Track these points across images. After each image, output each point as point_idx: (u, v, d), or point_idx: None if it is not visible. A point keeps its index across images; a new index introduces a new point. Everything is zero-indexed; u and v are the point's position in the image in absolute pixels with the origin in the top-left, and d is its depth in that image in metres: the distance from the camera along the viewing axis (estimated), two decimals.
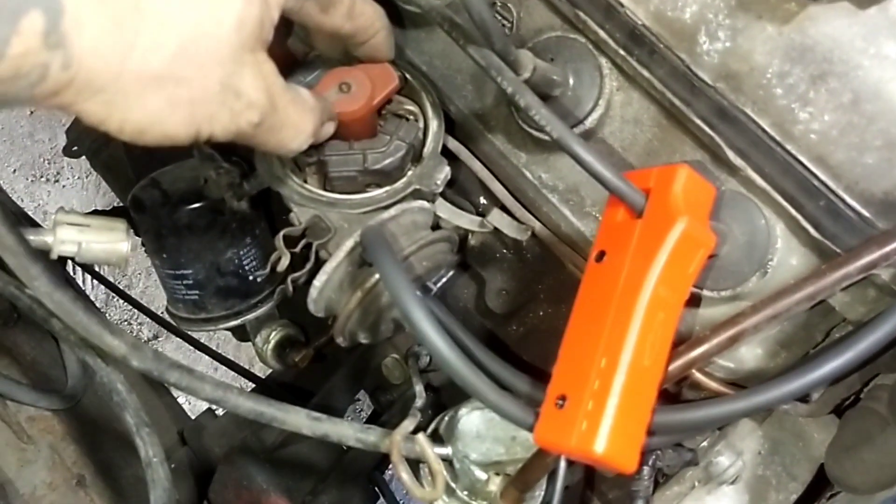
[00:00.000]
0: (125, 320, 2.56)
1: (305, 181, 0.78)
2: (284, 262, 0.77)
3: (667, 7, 0.63)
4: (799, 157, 0.60)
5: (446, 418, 0.84)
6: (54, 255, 0.76)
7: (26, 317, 0.81)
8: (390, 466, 0.76)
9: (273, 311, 1.08)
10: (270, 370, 1.25)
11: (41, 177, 2.70)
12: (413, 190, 0.76)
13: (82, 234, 0.77)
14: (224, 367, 1.53)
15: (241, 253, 0.98)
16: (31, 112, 2.61)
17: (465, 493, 0.81)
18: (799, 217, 0.60)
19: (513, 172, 0.78)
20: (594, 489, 0.85)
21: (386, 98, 0.74)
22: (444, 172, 0.77)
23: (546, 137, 0.62)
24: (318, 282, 0.75)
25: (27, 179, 2.69)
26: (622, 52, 0.65)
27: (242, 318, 1.03)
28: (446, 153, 0.79)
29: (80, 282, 1.96)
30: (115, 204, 1.29)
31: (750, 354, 0.68)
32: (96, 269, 1.54)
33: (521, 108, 0.63)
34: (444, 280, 0.87)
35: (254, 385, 1.45)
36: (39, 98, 0.48)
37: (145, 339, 2.54)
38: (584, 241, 0.74)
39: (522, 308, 0.85)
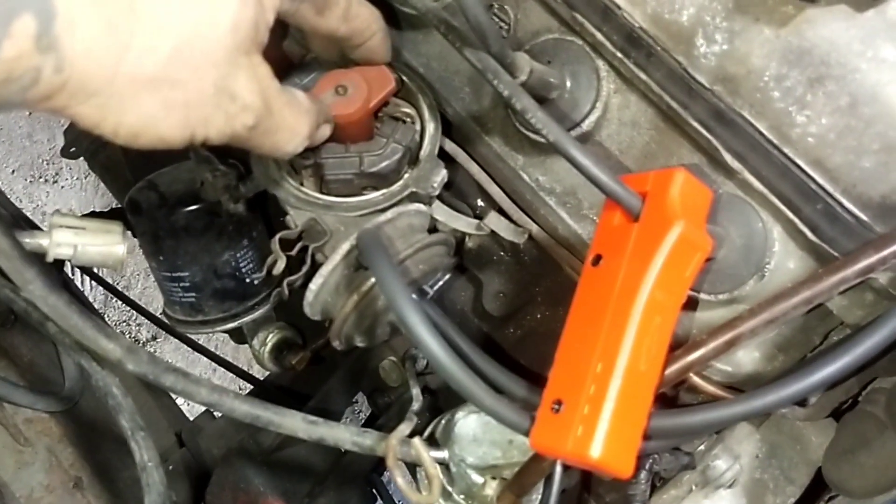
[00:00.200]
0: (123, 321, 2.56)
1: (302, 184, 0.77)
2: (280, 265, 0.77)
3: (664, 9, 0.63)
4: (796, 160, 0.59)
5: (443, 422, 0.84)
6: (50, 258, 0.76)
7: (23, 319, 0.81)
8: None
9: (270, 314, 1.08)
10: (268, 372, 1.25)
11: (40, 178, 2.70)
12: (410, 193, 0.76)
13: (78, 237, 0.76)
14: (222, 369, 1.54)
15: (238, 255, 0.98)
16: (30, 113, 2.61)
17: (462, 496, 0.81)
18: (796, 220, 0.60)
19: (510, 175, 0.77)
20: (591, 492, 0.85)
21: (382, 101, 0.74)
22: (441, 175, 0.76)
23: (543, 140, 0.61)
24: (314, 285, 0.74)
25: (26, 180, 2.69)
26: (619, 54, 0.65)
27: (239, 321, 1.03)
28: (443, 156, 0.79)
29: (78, 283, 1.96)
30: (114, 205, 1.28)
31: (747, 358, 0.68)
32: (94, 270, 1.54)
33: (517, 111, 0.63)
34: (440, 283, 0.87)
35: (252, 387, 1.45)
36: (32, 102, 0.48)
37: (143, 340, 2.53)
38: (582, 244, 0.74)
39: (519, 311, 0.85)
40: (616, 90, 0.70)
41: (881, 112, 0.56)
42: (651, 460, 0.73)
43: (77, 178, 2.69)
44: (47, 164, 2.70)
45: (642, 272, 0.57)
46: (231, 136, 0.58)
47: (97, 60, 0.48)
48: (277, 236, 0.78)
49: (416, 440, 0.71)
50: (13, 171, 2.69)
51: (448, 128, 0.80)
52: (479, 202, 0.83)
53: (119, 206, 1.18)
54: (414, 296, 0.63)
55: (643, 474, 0.73)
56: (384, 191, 0.76)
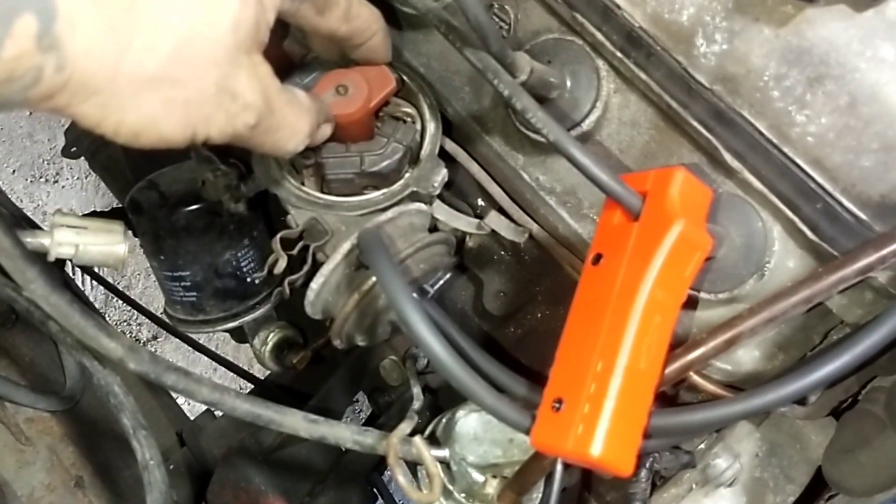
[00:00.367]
0: (124, 321, 2.56)
1: (303, 183, 0.78)
2: (281, 264, 0.77)
3: (664, 9, 0.63)
4: (796, 159, 0.59)
5: (444, 420, 0.84)
6: (51, 258, 0.76)
7: (25, 318, 0.81)
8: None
9: (271, 313, 1.08)
10: (269, 371, 1.25)
11: (40, 177, 2.70)
12: (410, 192, 0.76)
13: (80, 237, 0.77)
14: (223, 368, 1.54)
15: (239, 255, 0.98)
16: (31, 112, 2.61)
17: (463, 495, 0.81)
18: (796, 220, 0.60)
19: (510, 174, 0.78)
20: (592, 491, 0.85)
21: (383, 100, 0.74)
22: (442, 175, 0.76)
23: (543, 140, 0.62)
24: (315, 284, 0.75)
25: (26, 180, 2.69)
26: (619, 54, 0.65)
27: (240, 320, 1.03)
28: (444, 155, 0.79)
29: (79, 283, 1.96)
30: (115, 205, 1.28)
31: (747, 357, 0.68)
32: (95, 270, 1.54)
33: (517, 111, 0.63)
34: (441, 282, 0.87)
35: (253, 386, 1.45)
36: (34, 101, 0.48)
37: (144, 339, 2.54)
38: (582, 243, 0.74)
39: (520, 310, 0.85)
40: (616, 90, 0.70)
41: (880, 111, 0.56)
42: (651, 459, 0.73)
43: (78, 178, 2.70)
44: (48, 163, 2.70)
45: (642, 271, 0.57)
46: (232, 135, 0.58)
47: (98, 60, 0.48)
48: (278, 236, 0.78)
49: (417, 439, 0.71)
50: (14, 171, 2.69)
51: (448, 127, 0.80)
52: (480, 201, 0.83)
53: (120, 205, 1.19)
54: (414, 295, 0.63)
55: (643, 473, 0.73)
56: (385, 190, 0.76)
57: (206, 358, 1.53)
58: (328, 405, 1.10)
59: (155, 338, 2.53)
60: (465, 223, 0.82)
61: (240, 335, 1.18)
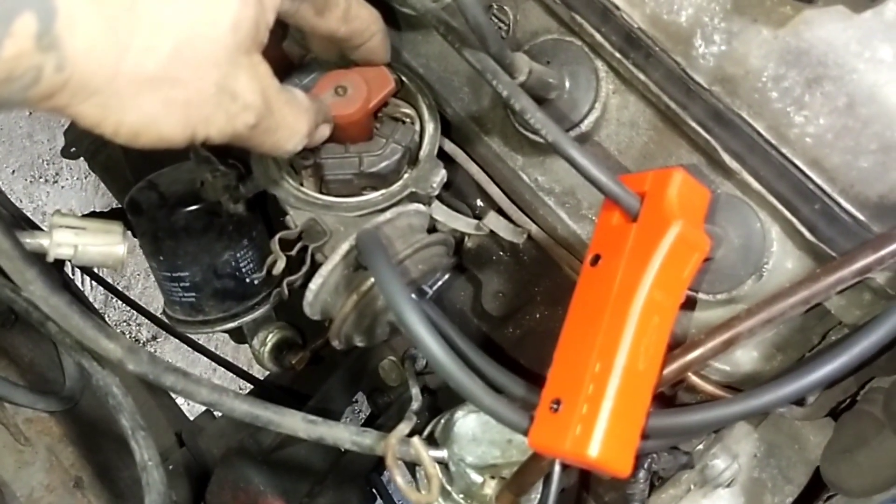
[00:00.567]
0: (124, 321, 2.56)
1: (301, 184, 0.78)
2: (280, 265, 0.77)
3: (662, 10, 0.63)
4: (794, 160, 0.60)
5: (442, 421, 0.84)
6: (50, 258, 0.76)
7: (24, 319, 0.81)
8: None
9: (270, 314, 1.08)
10: (268, 372, 1.25)
11: (40, 178, 2.70)
12: (409, 193, 0.76)
13: (79, 237, 0.77)
14: (222, 369, 1.54)
15: (238, 255, 0.98)
16: (30, 113, 2.61)
17: (461, 496, 0.81)
18: (794, 220, 0.60)
19: (509, 175, 0.78)
20: (590, 492, 0.85)
21: (382, 101, 0.74)
22: (441, 175, 0.76)
23: (542, 140, 0.62)
24: (313, 285, 0.75)
25: (26, 180, 2.69)
26: (618, 55, 0.65)
27: (239, 321, 1.03)
28: (442, 156, 0.79)
29: (78, 283, 1.96)
30: (114, 205, 1.28)
31: (746, 357, 0.68)
32: (95, 270, 1.54)
33: (516, 112, 0.63)
34: (440, 283, 0.87)
35: (252, 386, 1.45)
36: (33, 101, 0.48)
37: (144, 340, 2.54)
38: (581, 244, 0.74)
39: (519, 311, 0.85)
40: (615, 91, 0.70)
41: (878, 112, 0.56)
42: (649, 459, 0.73)
43: (77, 179, 2.70)
44: (47, 164, 2.70)
45: (641, 272, 0.57)
46: (232, 135, 0.58)
47: (98, 59, 0.48)
48: (277, 236, 0.78)
49: (416, 439, 0.71)
50: (13, 171, 2.69)
51: (447, 128, 0.80)
52: (479, 202, 0.83)
53: (119, 206, 1.18)
54: (413, 296, 0.63)
55: (642, 473, 0.73)
56: (384, 191, 0.76)
57: (205, 358, 1.53)
58: (327, 406, 1.11)
59: (154, 338, 2.53)
60: (463, 224, 0.82)
61: (239, 336, 1.18)
